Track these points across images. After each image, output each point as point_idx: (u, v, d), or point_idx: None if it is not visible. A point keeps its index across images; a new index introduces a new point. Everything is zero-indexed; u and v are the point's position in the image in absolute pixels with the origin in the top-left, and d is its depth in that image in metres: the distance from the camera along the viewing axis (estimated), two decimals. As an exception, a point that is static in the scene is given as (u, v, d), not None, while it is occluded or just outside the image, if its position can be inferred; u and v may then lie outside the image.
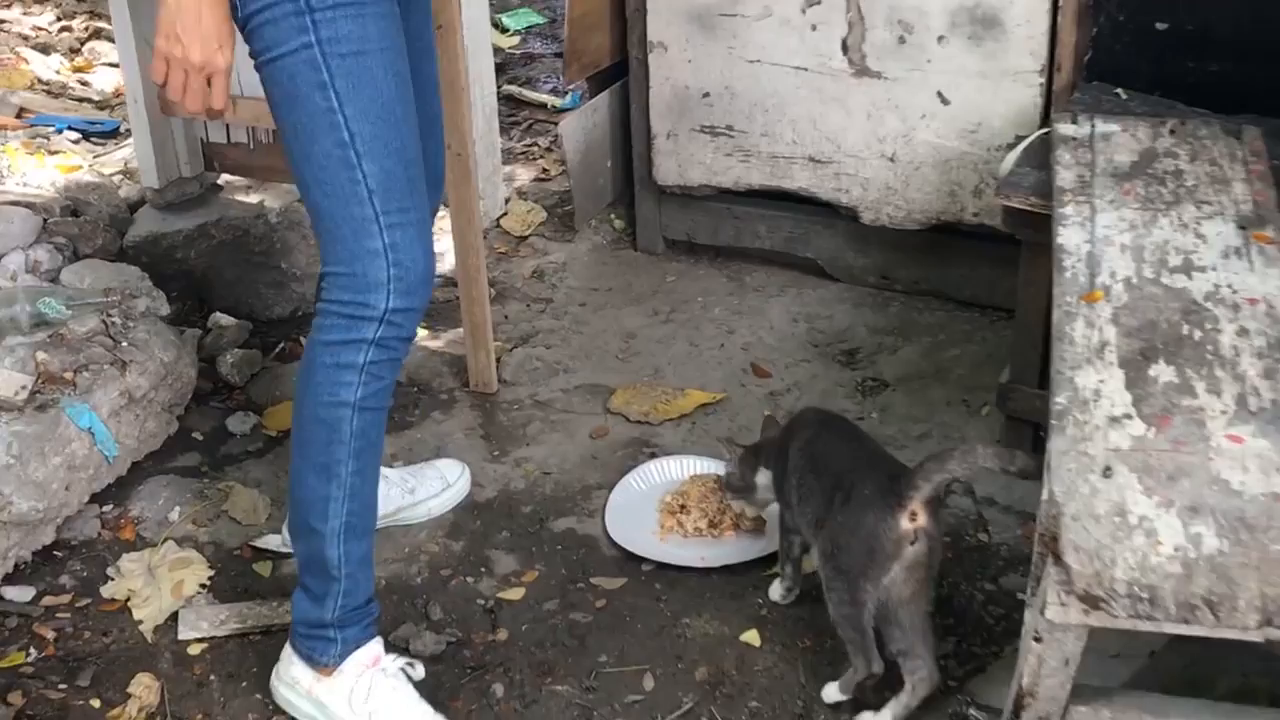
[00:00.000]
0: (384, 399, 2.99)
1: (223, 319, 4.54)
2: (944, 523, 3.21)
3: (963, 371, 4.43)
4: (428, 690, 3.09)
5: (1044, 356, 3.69)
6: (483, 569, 3.73)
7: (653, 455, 3.95)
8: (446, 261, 4.34)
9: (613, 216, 5.11)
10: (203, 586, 3.60)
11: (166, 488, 3.85)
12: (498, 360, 4.47)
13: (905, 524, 3.01)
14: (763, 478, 3.53)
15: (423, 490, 3.80)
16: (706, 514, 3.72)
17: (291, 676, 3.18)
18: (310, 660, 3.13)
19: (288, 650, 3.20)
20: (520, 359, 4.55)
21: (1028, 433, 3.94)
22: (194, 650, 3.35)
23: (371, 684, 3.11)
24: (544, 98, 6.19)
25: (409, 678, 3.17)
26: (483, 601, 3.63)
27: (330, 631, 3.08)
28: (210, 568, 3.66)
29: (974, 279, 4.54)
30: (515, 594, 3.51)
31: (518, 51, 6.92)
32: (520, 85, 6.42)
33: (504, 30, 6.96)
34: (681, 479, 3.83)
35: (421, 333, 4.66)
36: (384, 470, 3.75)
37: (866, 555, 3.05)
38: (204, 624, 3.47)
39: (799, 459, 3.35)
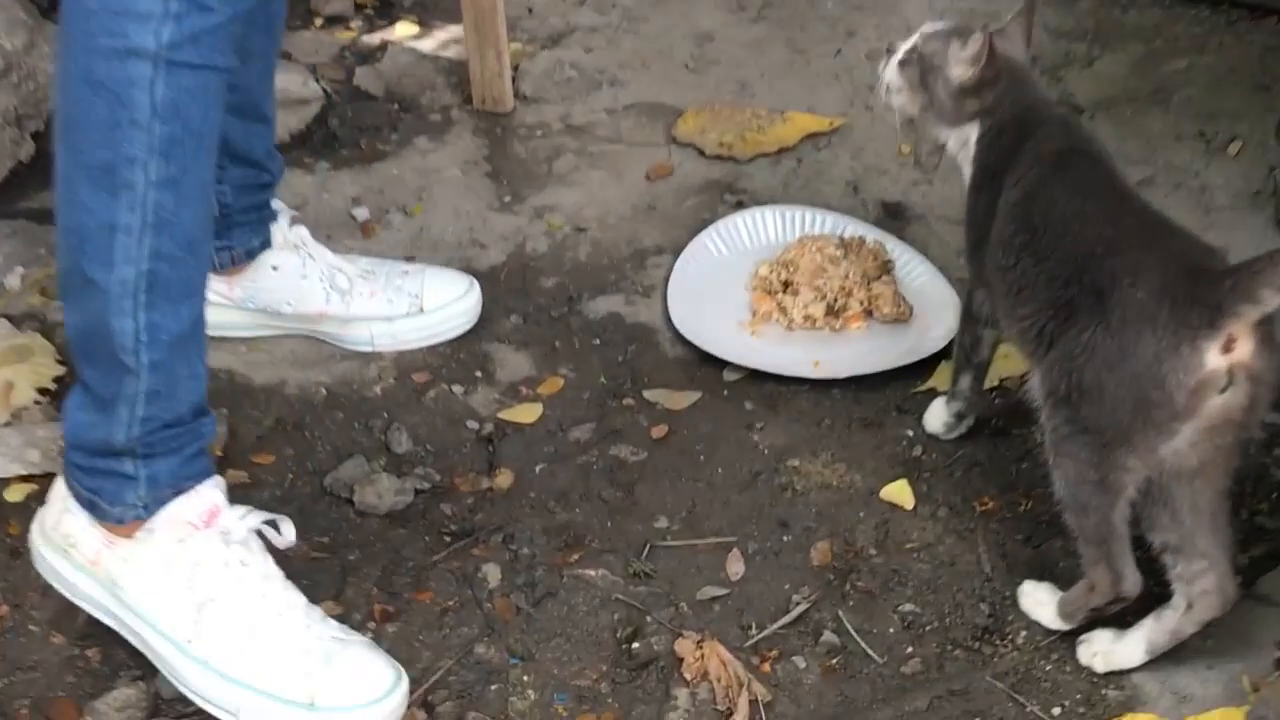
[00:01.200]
0: (215, 49, 1.72)
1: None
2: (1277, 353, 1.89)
3: (1193, 92, 3.08)
4: (374, 568, 2.14)
5: None
6: (478, 374, 2.47)
7: (739, 205, 2.74)
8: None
9: None
10: (43, 393, 2.40)
11: (9, 239, 2.71)
12: (515, 68, 3.16)
13: (1215, 358, 1.79)
14: (969, 131, 2.18)
15: (374, 303, 2.49)
16: (823, 295, 2.59)
17: (64, 535, 1.95)
18: (95, 510, 1.91)
19: (59, 491, 1.96)
20: (547, 66, 3.19)
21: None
22: (13, 495, 2.25)
23: (200, 557, 1.89)
24: None
25: (268, 547, 1.96)
26: (475, 426, 2.39)
27: (127, 464, 1.88)
28: (60, 364, 2.43)
29: None
30: (527, 414, 2.44)
31: None
32: None
33: None
34: (784, 241, 2.71)
35: (404, 29, 3.25)
36: (307, 242, 2.49)
37: (1137, 408, 1.84)
38: (34, 454, 2.29)
39: (1007, 224, 2.01)
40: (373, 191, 2.87)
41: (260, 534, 1.93)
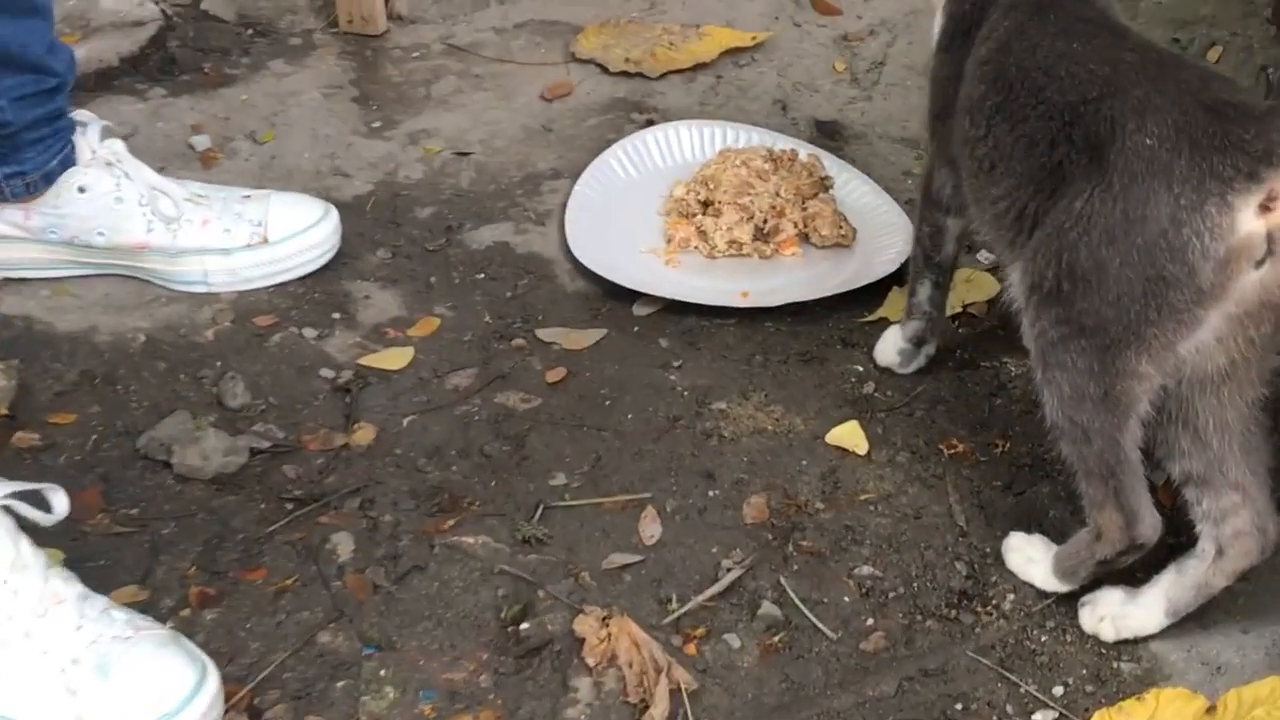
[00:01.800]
0: None
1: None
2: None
3: (1162, -1, 2.65)
4: (193, 544, 1.72)
5: None
6: (336, 316, 2.03)
7: (649, 124, 2.16)
8: None
9: None
10: None
11: None
12: (389, -13, 2.67)
13: (1250, 219, 1.40)
14: None
15: (208, 233, 2.04)
16: (750, 215, 2.12)
17: None
18: None
19: None
20: (426, -17, 2.74)
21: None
22: None
23: None
24: None
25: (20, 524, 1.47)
26: (330, 374, 1.96)
27: None
28: None
29: None
30: (394, 360, 2.01)
31: None
32: None
33: None
34: (701, 159, 2.23)
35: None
36: (123, 158, 2.06)
37: (1149, 291, 1.44)
38: None
39: (976, 84, 1.64)
40: (216, 119, 2.43)
41: (12, 510, 1.46)
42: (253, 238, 2.05)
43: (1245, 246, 1.39)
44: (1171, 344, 1.44)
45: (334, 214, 2.12)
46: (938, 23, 1.76)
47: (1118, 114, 1.45)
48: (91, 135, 2.02)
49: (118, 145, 2.04)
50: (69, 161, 2.00)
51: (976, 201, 1.65)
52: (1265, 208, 1.38)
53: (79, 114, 2.04)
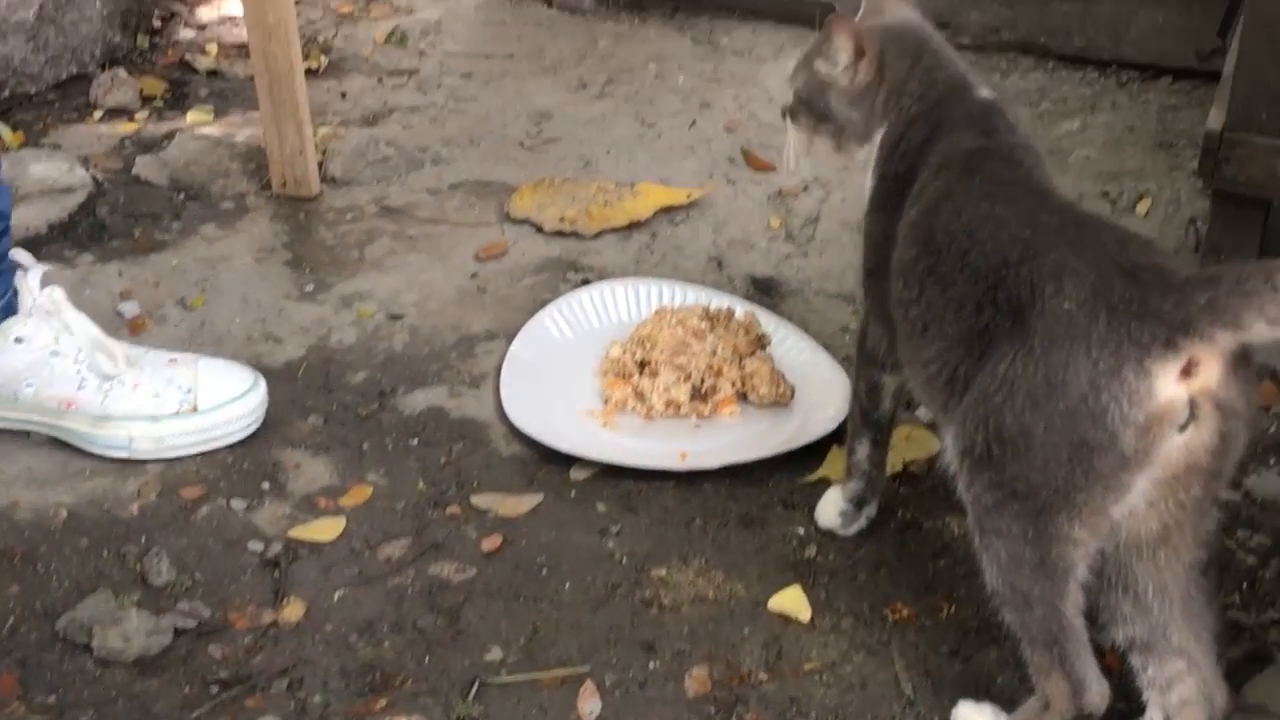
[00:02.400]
0: None
1: None
2: (1254, 388, 1.50)
3: (1091, 152, 2.73)
4: None
5: None
6: (266, 486, 1.98)
7: (585, 283, 2.14)
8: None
9: None
10: None
11: None
12: (322, 152, 2.68)
13: (1171, 385, 1.39)
14: (878, 134, 1.75)
15: (137, 397, 2.02)
16: (688, 375, 2.09)
17: None
18: None
19: None
20: (359, 145, 2.76)
21: (1254, 218, 2.20)
22: None
23: None
24: None
25: None
26: (259, 547, 1.90)
27: None
28: None
29: (1091, 19, 3.11)
30: (325, 531, 1.97)
31: None
32: None
33: None
34: (638, 318, 2.29)
35: (197, 117, 2.85)
36: (63, 308, 2.02)
37: (1074, 456, 1.43)
38: None
39: (908, 247, 1.63)
40: (145, 285, 2.40)
41: None
42: (182, 405, 2.01)
43: (1166, 412, 1.38)
44: (1103, 508, 1.42)
45: (263, 383, 2.08)
46: (869, 182, 1.76)
47: (1037, 277, 1.44)
48: (32, 281, 1.99)
49: (58, 294, 2.00)
50: (10, 309, 1.96)
51: (910, 363, 1.64)
52: (1186, 372, 1.38)
53: (17, 254, 2.00)
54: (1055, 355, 1.41)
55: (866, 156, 1.75)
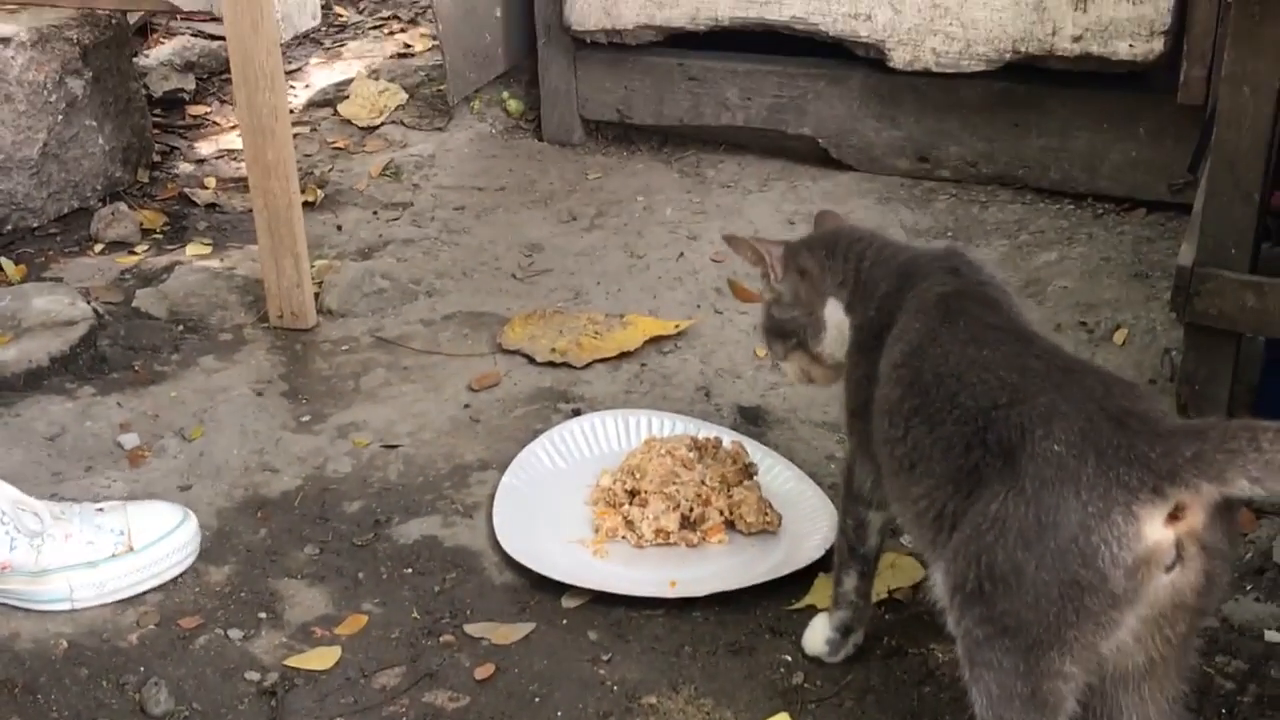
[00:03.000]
0: None
1: None
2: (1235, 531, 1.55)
3: (1069, 283, 2.81)
4: None
5: (1260, 217, 2.26)
6: (263, 615, 2.02)
7: (576, 414, 2.21)
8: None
9: (505, 95, 3.51)
10: None
11: None
12: (319, 284, 2.75)
13: (1157, 529, 1.44)
14: (833, 309, 1.85)
15: (71, 548, 2.05)
16: (677, 504, 2.18)
17: None
18: None
19: None
20: (355, 278, 2.82)
21: (1226, 350, 2.25)
22: None
23: None
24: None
25: None
26: (256, 677, 1.94)
27: None
28: None
29: (1066, 153, 3.17)
30: (321, 660, 2.00)
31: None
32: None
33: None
34: (628, 449, 2.34)
35: (196, 249, 2.93)
36: None
37: (1065, 594, 1.47)
38: None
39: (893, 387, 1.67)
40: (145, 416, 2.45)
41: None
42: (118, 547, 2.04)
43: (1154, 554, 1.43)
44: (1093, 644, 1.46)
45: (193, 518, 2.12)
46: (828, 334, 1.85)
47: (1027, 421, 1.49)
48: None
49: None
50: None
51: (898, 499, 1.69)
52: (1173, 518, 1.43)
53: None
54: (1046, 496, 1.45)
55: (835, 327, 1.86)
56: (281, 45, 3.53)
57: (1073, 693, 1.49)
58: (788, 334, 1.89)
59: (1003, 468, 1.50)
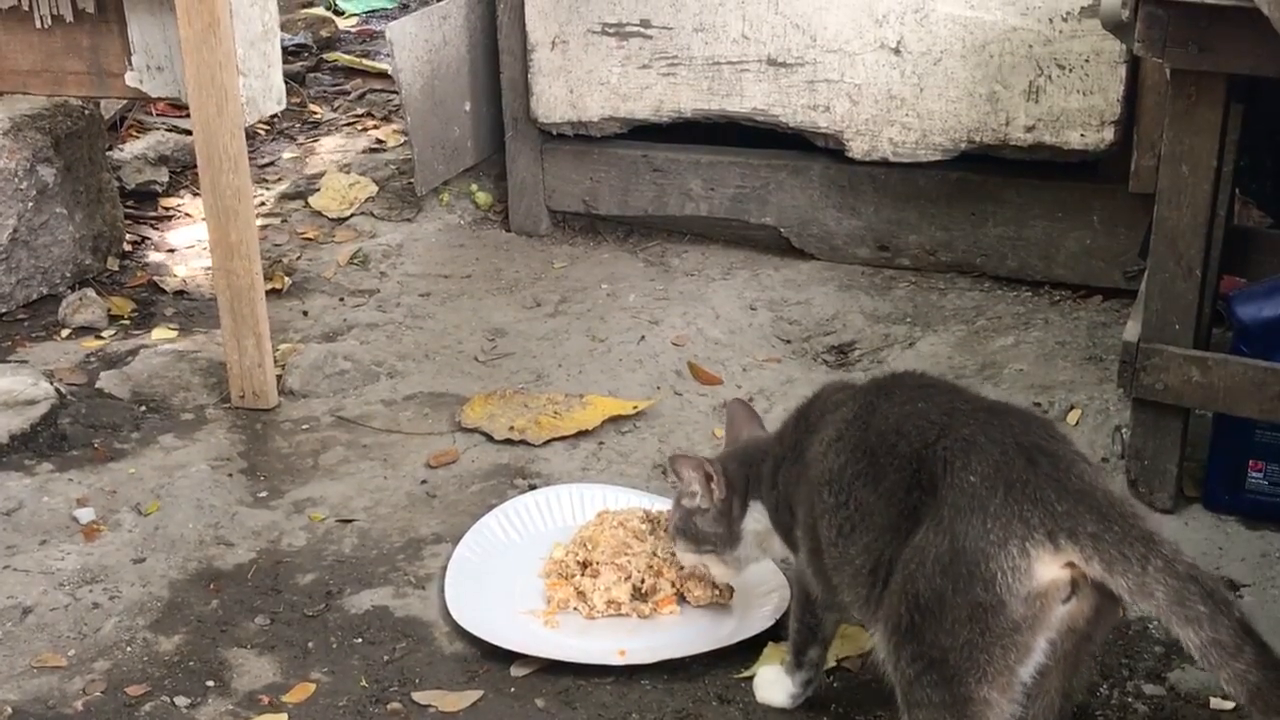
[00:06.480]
0: None
1: None
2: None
3: (1024, 365, 2.83)
4: None
5: (1203, 293, 2.33)
6: (211, 683, 2.03)
7: (533, 488, 2.22)
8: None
9: (474, 188, 3.56)
10: None
11: None
12: (281, 366, 2.78)
13: (1052, 569, 1.53)
14: (754, 517, 1.97)
15: None
16: (628, 575, 2.16)
17: None
18: None
19: None
20: (317, 360, 2.85)
21: (1174, 425, 2.28)
22: None
23: None
24: (383, 65, 4.55)
25: None
26: (201, 743, 1.87)
27: None
28: None
29: (1023, 241, 3.23)
30: None
31: (354, 29, 5.30)
32: (356, 57, 4.79)
33: (339, 13, 5.36)
34: (581, 521, 2.35)
35: (162, 334, 2.99)
36: None
37: (973, 616, 1.54)
38: None
39: (834, 458, 1.72)
40: (102, 492, 2.46)
41: None
42: None
43: (1049, 589, 1.51)
44: (1007, 668, 1.53)
45: None
46: (745, 543, 1.97)
47: (949, 453, 1.58)
48: None
49: None
50: None
51: (836, 568, 1.73)
52: (1069, 563, 1.49)
53: None
54: (959, 523, 1.53)
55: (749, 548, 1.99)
56: (257, 139, 3.60)
57: (1002, 712, 1.55)
58: (703, 540, 2.00)
59: (929, 500, 1.58)
